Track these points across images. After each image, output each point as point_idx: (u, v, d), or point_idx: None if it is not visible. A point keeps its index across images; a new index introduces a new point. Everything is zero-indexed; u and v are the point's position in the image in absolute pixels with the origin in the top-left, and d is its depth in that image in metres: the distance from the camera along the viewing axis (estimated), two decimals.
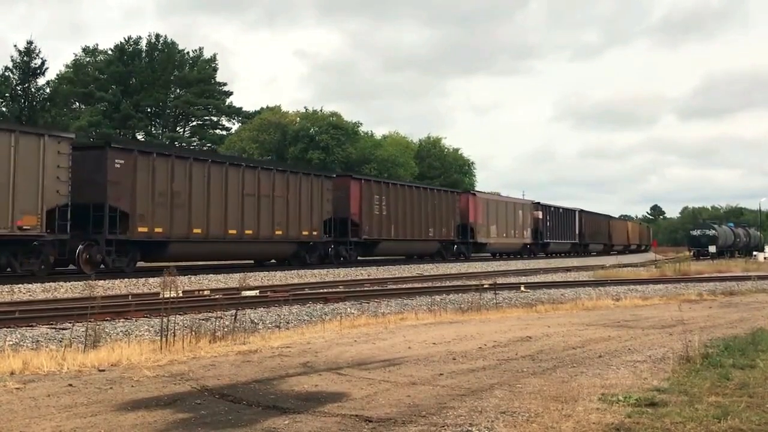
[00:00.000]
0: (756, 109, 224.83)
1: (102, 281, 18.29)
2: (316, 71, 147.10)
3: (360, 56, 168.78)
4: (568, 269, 36.30)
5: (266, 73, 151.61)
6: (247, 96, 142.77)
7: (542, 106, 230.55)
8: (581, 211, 61.25)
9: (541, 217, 50.94)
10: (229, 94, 69.98)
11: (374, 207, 33.55)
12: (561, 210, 56.68)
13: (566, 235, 56.78)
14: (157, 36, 64.66)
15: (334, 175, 32.91)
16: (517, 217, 47.86)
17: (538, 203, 52.43)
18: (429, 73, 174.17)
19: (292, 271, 25.85)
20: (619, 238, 72.79)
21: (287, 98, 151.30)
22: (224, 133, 68.97)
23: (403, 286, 22.24)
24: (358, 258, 33.36)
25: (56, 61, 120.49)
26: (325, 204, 30.09)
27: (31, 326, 11.29)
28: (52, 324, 11.54)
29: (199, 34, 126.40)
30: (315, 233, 29.52)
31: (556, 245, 54.39)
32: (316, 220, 29.50)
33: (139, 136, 61.25)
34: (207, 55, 68.15)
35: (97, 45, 67.04)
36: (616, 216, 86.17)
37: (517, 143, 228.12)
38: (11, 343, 9.73)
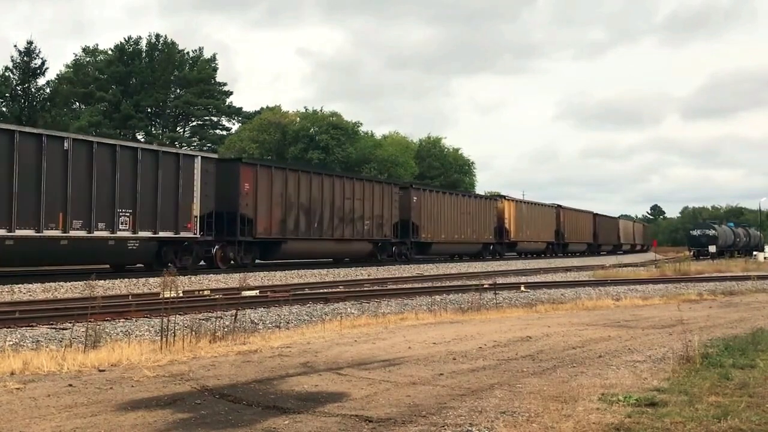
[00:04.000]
0: (762, 109, 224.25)
1: (102, 281, 18.29)
2: (319, 70, 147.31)
3: (363, 55, 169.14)
4: (567, 269, 36.22)
5: (269, 72, 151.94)
6: (250, 94, 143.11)
7: (545, 106, 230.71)
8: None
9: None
10: (229, 94, 70.12)
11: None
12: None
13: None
14: (157, 36, 64.78)
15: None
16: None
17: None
18: (433, 72, 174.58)
19: (293, 271, 25.84)
20: (471, 232, 42.04)
21: (290, 97, 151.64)
22: (224, 133, 69.13)
23: (403, 286, 22.25)
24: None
25: (60, 60, 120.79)
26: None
27: (32, 326, 11.30)
28: (52, 324, 11.54)
29: (202, 33, 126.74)
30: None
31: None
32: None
33: (140, 137, 61.30)
34: (207, 54, 68.33)
35: (98, 45, 67.26)
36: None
37: (519, 143, 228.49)
38: (11, 343, 9.73)
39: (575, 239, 59.44)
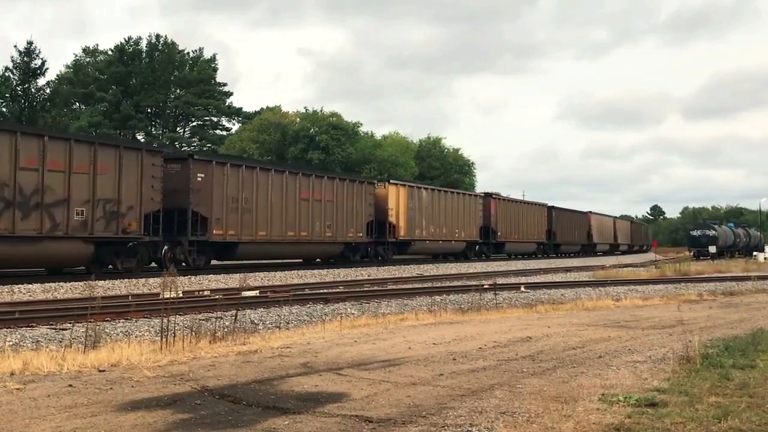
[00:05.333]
0: (762, 109, 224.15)
1: (102, 281, 18.28)
2: (320, 70, 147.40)
3: (364, 55, 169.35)
4: (568, 269, 36.17)
5: (269, 72, 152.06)
6: (250, 95, 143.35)
7: (546, 106, 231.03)
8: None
9: None
10: (229, 94, 70.24)
11: None
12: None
13: None
14: (158, 36, 64.90)
15: None
16: None
17: None
18: (433, 72, 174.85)
19: (293, 272, 25.83)
20: (324, 228, 31.38)
21: (290, 97, 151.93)
22: (224, 133, 69.17)
23: (403, 286, 22.23)
24: None
25: (60, 60, 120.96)
26: None
27: (31, 326, 11.29)
28: (52, 324, 11.53)
29: (203, 33, 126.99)
30: None
31: None
32: None
33: (140, 137, 61.31)
34: (207, 55, 68.46)
35: (98, 45, 67.35)
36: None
37: (520, 143, 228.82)
38: (11, 343, 9.73)
39: (517, 237, 47.84)
